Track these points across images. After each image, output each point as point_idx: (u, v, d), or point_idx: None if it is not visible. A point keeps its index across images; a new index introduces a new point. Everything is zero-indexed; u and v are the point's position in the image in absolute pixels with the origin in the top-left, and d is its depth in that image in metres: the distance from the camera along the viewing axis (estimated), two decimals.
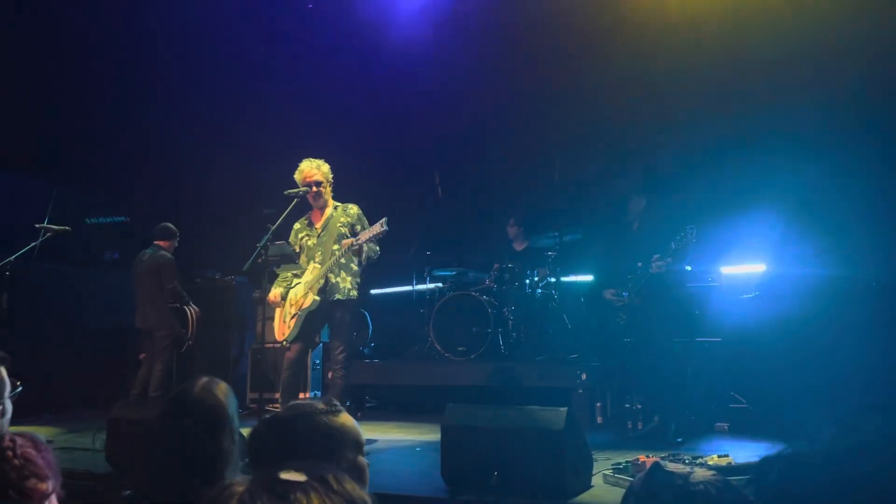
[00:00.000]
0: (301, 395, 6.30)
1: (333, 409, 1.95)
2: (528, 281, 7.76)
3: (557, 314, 7.77)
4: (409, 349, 8.56)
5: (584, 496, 3.82)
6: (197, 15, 8.74)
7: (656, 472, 1.28)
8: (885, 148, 6.29)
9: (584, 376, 6.62)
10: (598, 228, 7.58)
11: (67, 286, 8.85)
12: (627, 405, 6.10)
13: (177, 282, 7.31)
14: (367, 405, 8.15)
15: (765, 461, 1.34)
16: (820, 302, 5.71)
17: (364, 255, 5.53)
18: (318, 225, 5.73)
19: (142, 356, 7.51)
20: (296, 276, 5.73)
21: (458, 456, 4.01)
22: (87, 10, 8.72)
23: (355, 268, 5.65)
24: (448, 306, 7.72)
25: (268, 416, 2.02)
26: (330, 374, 5.65)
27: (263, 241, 5.53)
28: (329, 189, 5.73)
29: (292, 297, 5.65)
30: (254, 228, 5.93)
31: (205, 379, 2.34)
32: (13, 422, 2.31)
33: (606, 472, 4.14)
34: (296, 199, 5.62)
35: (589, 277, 8.03)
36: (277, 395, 8.37)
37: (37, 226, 6.42)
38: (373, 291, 9.76)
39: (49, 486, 1.60)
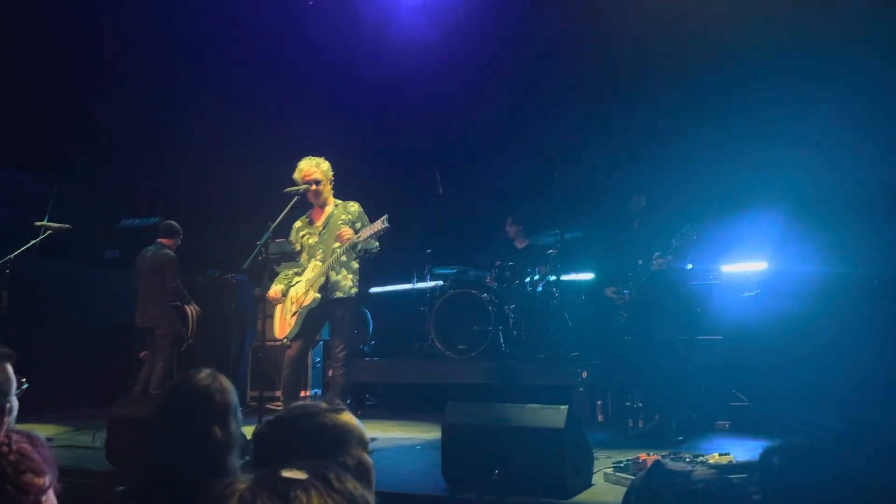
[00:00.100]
0: (302, 393, 6.30)
1: (337, 407, 1.95)
2: (528, 279, 7.76)
3: (558, 312, 7.77)
4: (409, 347, 8.55)
5: (585, 494, 3.82)
6: (199, 13, 8.74)
7: (657, 471, 1.28)
8: (887, 145, 6.28)
9: (584, 374, 6.62)
10: (599, 226, 7.57)
11: (68, 284, 8.85)
12: (628, 403, 6.10)
13: (179, 280, 7.32)
14: (368, 403, 8.15)
15: (767, 452, 1.34)
16: (821, 300, 5.71)
17: (360, 248, 5.50)
18: (319, 223, 5.73)
19: (142, 354, 7.51)
20: (297, 273, 5.73)
21: (458, 454, 4.00)
22: (90, 7, 8.72)
23: (356, 265, 5.65)
24: (449, 304, 7.71)
25: (271, 416, 2.02)
26: (330, 373, 5.65)
27: (264, 239, 5.53)
28: (329, 187, 5.72)
29: (293, 294, 5.65)
30: (254, 226, 5.93)
31: (207, 370, 2.36)
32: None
33: (607, 470, 4.14)
34: (296, 197, 5.61)
35: (590, 275, 8.03)
36: (278, 393, 8.38)
37: (37, 223, 6.41)
38: (373, 289, 9.75)
39: (46, 480, 1.59)
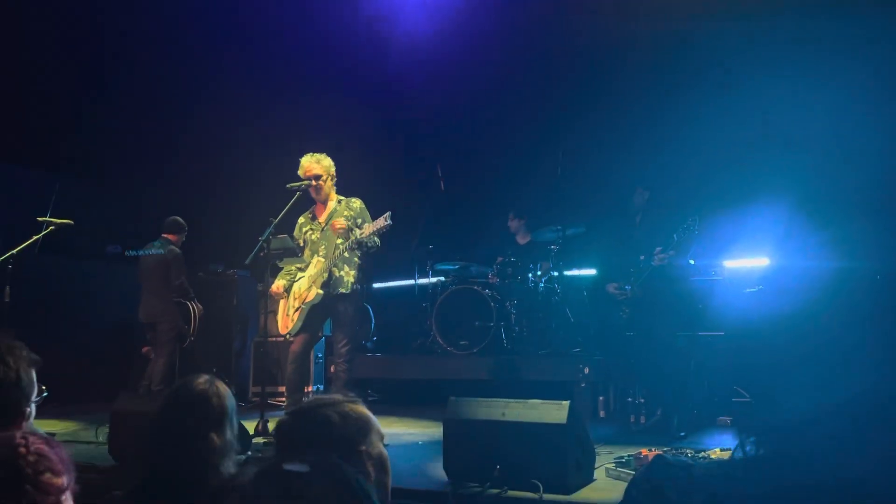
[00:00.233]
0: (306, 389, 6.31)
1: (354, 399, 1.99)
2: (530, 275, 7.75)
3: (560, 308, 7.77)
4: (411, 343, 8.56)
5: (587, 490, 3.82)
6: (202, 9, 8.73)
7: (658, 465, 1.28)
8: (891, 138, 6.27)
9: (586, 370, 6.62)
10: (601, 222, 7.57)
11: (70, 280, 8.86)
12: (630, 399, 6.10)
13: (184, 277, 7.33)
14: (370, 399, 8.15)
15: (741, 440, 1.33)
16: (824, 296, 5.70)
17: (354, 240, 5.49)
18: (322, 219, 5.73)
19: (145, 350, 7.53)
20: (300, 269, 5.74)
21: (460, 450, 4.01)
22: (91, 5, 8.72)
23: (359, 261, 5.65)
24: (450, 300, 7.71)
25: (294, 407, 2.05)
26: (332, 368, 5.67)
27: (266, 235, 5.55)
28: (330, 183, 5.72)
29: (296, 290, 5.65)
30: (256, 222, 5.94)
31: (206, 376, 2.39)
32: None
33: (609, 465, 4.15)
34: (297, 193, 5.62)
35: (592, 271, 8.03)
36: (280, 389, 8.41)
37: (39, 219, 6.42)
38: (375, 285, 9.76)
39: (64, 480, 1.60)
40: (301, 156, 5.74)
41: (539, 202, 8.52)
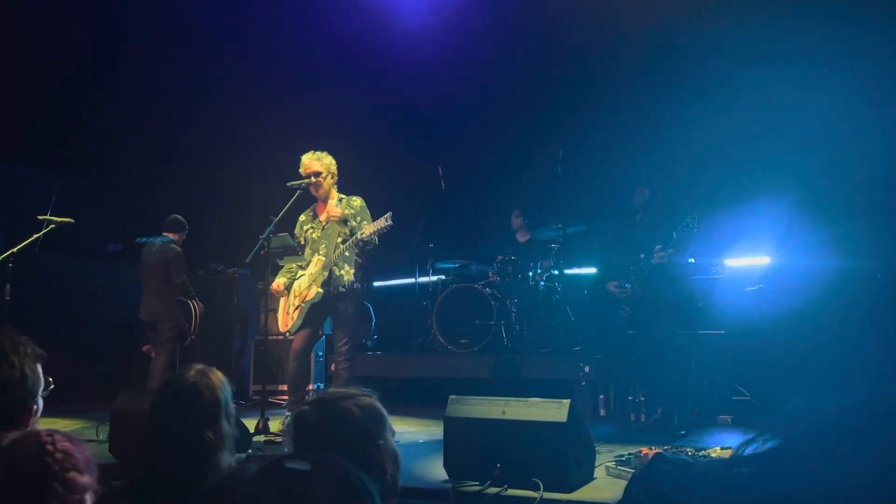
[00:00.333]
0: (307, 388, 6.31)
1: (369, 393, 2.00)
2: (531, 273, 7.76)
3: (560, 307, 7.77)
4: (412, 341, 8.56)
5: (587, 488, 3.82)
6: (202, 9, 8.73)
7: (658, 463, 1.28)
8: (892, 137, 6.26)
9: (587, 368, 6.62)
10: (601, 220, 7.57)
11: (70, 278, 8.87)
12: (630, 397, 6.10)
13: (185, 276, 7.33)
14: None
15: (734, 461, 1.33)
16: (824, 294, 5.70)
17: (355, 241, 5.49)
18: (322, 218, 5.73)
19: (145, 348, 7.53)
20: (300, 267, 5.74)
21: (460, 448, 4.01)
22: (93, 4, 8.72)
23: (359, 260, 5.65)
24: (451, 299, 7.72)
25: (310, 399, 2.06)
26: (333, 367, 5.66)
27: (266, 233, 5.55)
28: (331, 180, 5.71)
29: (296, 288, 5.65)
30: (257, 221, 5.94)
31: (199, 366, 2.35)
32: None
33: (609, 464, 4.15)
34: (298, 192, 5.62)
35: (592, 270, 8.03)
36: (281, 387, 8.41)
37: (39, 217, 6.42)
38: (376, 284, 9.76)
39: (88, 479, 1.60)
40: (301, 154, 5.74)
41: (539, 200, 8.53)
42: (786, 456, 1.22)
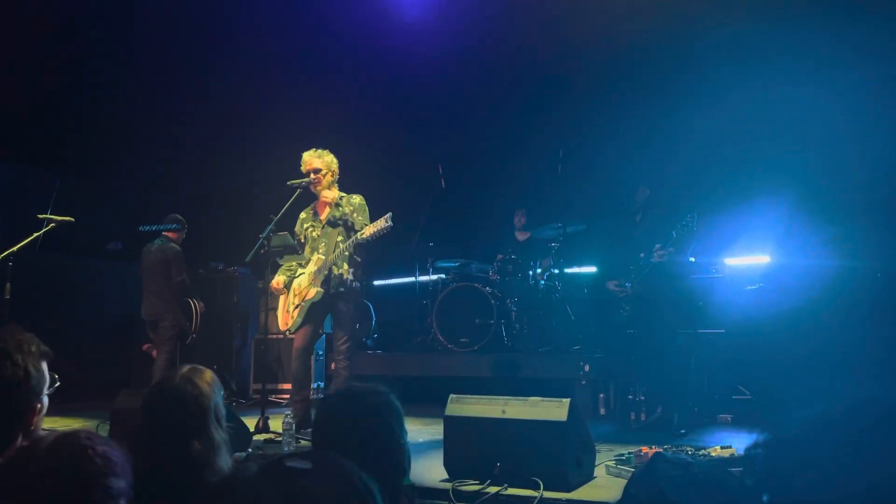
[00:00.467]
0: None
1: (388, 391, 2.02)
2: (531, 272, 7.76)
3: (561, 305, 7.77)
4: (412, 340, 8.56)
5: (587, 487, 3.82)
6: (201, 9, 8.72)
7: (657, 462, 1.28)
8: (892, 136, 6.26)
9: (587, 367, 6.62)
10: (601, 219, 7.57)
11: (70, 277, 8.87)
12: (630, 396, 6.10)
13: (185, 275, 7.33)
14: None
15: (752, 445, 1.34)
16: (824, 294, 5.70)
17: (355, 241, 5.48)
18: (323, 216, 5.73)
19: (145, 347, 7.53)
20: (300, 265, 5.74)
21: (460, 447, 4.01)
22: (92, 3, 8.71)
23: (358, 259, 5.64)
24: (451, 297, 7.72)
25: (331, 392, 2.08)
26: (333, 365, 5.66)
27: (266, 232, 5.54)
28: (331, 178, 5.70)
29: (296, 286, 5.65)
30: (257, 219, 5.93)
31: (187, 368, 2.32)
32: None
33: (609, 463, 4.15)
34: (298, 190, 5.61)
35: (592, 269, 8.03)
36: (280, 386, 8.42)
37: (40, 216, 6.42)
38: (376, 283, 9.76)
39: (124, 484, 1.59)
40: (301, 152, 5.74)
41: (540, 199, 8.52)
42: (787, 456, 1.22)
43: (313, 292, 5.49)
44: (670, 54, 7.66)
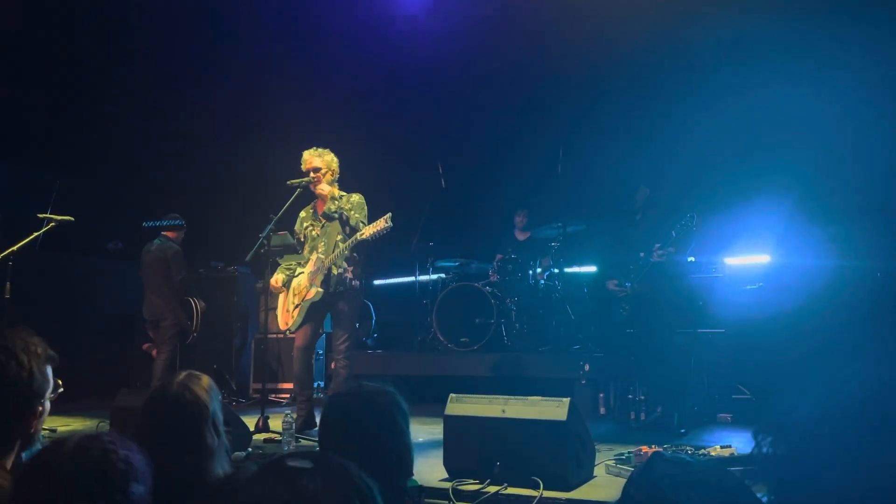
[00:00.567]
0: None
1: (395, 391, 2.03)
2: (531, 272, 7.76)
3: (560, 305, 7.77)
4: (412, 340, 8.57)
5: (587, 487, 3.82)
6: (201, 8, 8.72)
7: (656, 462, 1.28)
8: (891, 138, 6.26)
9: (587, 367, 6.62)
10: (601, 219, 7.57)
11: (70, 276, 8.86)
12: (630, 396, 6.10)
13: (184, 274, 7.34)
14: None
15: (756, 441, 1.34)
16: (824, 293, 5.70)
17: (355, 241, 5.48)
18: (321, 212, 5.73)
19: (145, 346, 7.53)
20: (299, 264, 5.74)
21: (460, 446, 4.01)
22: (92, 3, 8.71)
23: (356, 256, 5.63)
24: (451, 297, 7.72)
25: (348, 387, 2.09)
26: (333, 364, 5.66)
27: (266, 232, 5.54)
28: (330, 177, 5.69)
29: (295, 286, 5.65)
30: (257, 219, 5.93)
31: (183, 374, 2.32)
32: None
33: (609, 462, 4.14)
34: (298, 190, 5.61)
35: (592, 268, 8.03)
36: (280, 385, 8.42)
37: (39, 215, 6.42)
38: (376, 282, 9.77)
39: (144, 489, 1.58)
40: (301, 152, 5.74)
41: (540, 199, 8.52)
42: (788, 457, 1.22)
43: (313, 292, 5.49)
44: (670, 54, 7.66)
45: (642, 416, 5.94)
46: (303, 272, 5.65)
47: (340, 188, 5.80)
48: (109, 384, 6.54)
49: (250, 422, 5.25)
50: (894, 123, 6.31)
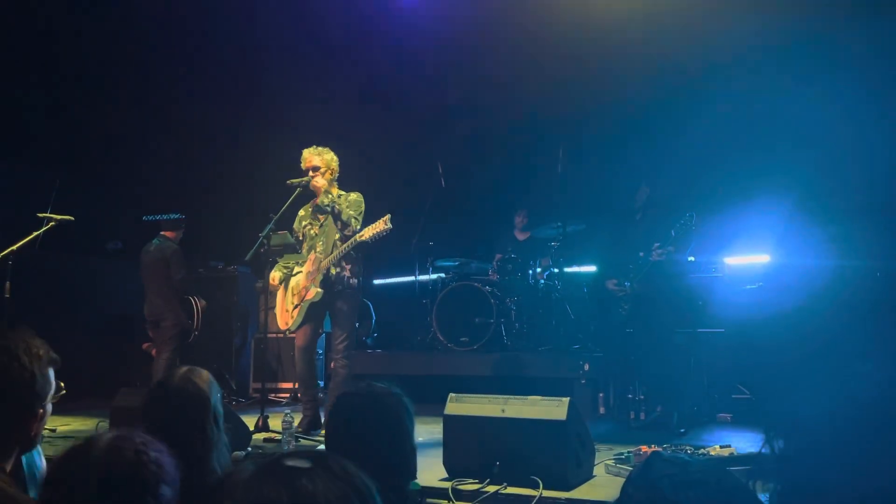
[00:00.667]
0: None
1: (401, 393, 2.03)
2: (530, 271, 7.76)
3: (560, 305, 7.77)
4: (411, 339, 8.57)
5: (586, 486, 3.82)
6: (201, 7, 8.72)
7: (654, 461, 1.28)
8: (891, 138, 6.26)
9: (586, 367, 6.62)
10: (601, 219, 7.57)
11: (70, 275, 8.87)
12: (630, 395, 6.11)
13: (184, 273, 7.34)
14: None
15: (767, 437, 1.34)
16: (824, 293, 5.70)
17: (354, 242, 5.47)
18: (322, 215, 5.72)
19: (145, 346, 7.53)
20: (297, 263, 5.74)
21: (459, 446, 4.01)
22: (92, 3, 8.71)
23: (354, 254, 5.62)
24: (451, 297, 7.72)
25: (358, 387, 2.09)
26: (332, 364, 5.66)
27: (266, 231, 5.54)
28: (330, 176, 5.69)
29: (293, 285, 5.65)
30: (257, 218, 5.93)
31: (185, 368, 2.33)
32: None
33: (608, 462, 4.15)
34: (298, 189, 5.61)
35: (592, 268, 8.03)
36: (280, 385, 8.42)
37: (39, 215, 6.42)
38: (376, 282, 9.77)
39: (172, 492, 1.57)
40: (301, 151, 5.74)
41: (539, 199, 8.52)
42: (796, 457, 1.22)
43: (313, 293, 5.49)
44: (670, 54, 7.65)
45: (642, 416, 5.94)
46: (300, 271, 5.65)
47: (340, 187, 5.80)
48: (109, 384, 6.55)
49: (250, 421, 5.25)
50: (894, 123, 6.30)
